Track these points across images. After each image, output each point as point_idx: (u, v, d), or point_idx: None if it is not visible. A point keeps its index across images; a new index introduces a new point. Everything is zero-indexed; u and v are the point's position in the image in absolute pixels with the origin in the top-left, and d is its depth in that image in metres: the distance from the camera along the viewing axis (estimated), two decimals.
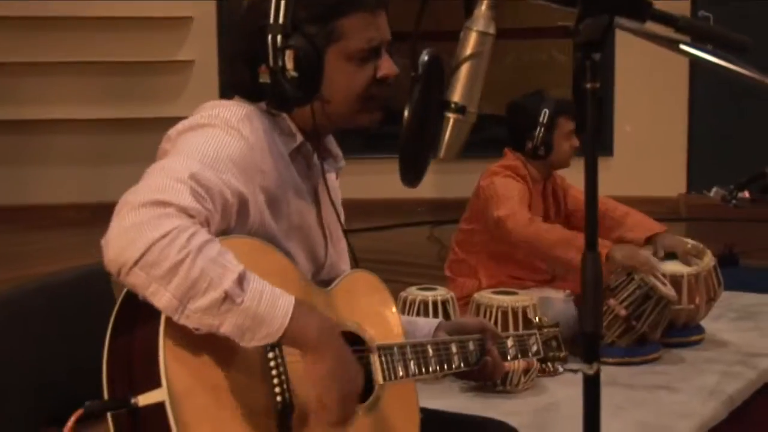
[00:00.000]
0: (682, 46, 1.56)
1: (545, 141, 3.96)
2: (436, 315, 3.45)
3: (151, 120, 7.45)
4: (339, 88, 1.87)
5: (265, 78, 1.82)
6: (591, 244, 1.37)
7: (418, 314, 3.46)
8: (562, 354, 2.33)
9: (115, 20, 7.87)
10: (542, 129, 3.95)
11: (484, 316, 3.36)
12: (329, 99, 1.87)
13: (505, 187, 3.89)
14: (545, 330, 2.32)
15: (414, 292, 3.55)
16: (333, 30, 1.85)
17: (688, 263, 3.98)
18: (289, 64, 1.80)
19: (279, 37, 1.80)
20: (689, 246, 4.01)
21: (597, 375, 1.33)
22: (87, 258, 1.72)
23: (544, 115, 3.95)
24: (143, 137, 7.48)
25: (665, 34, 1.54)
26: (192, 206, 1.61)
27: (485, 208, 3.93)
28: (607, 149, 8.13)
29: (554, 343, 2.33)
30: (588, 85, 1.34)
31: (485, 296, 3.47)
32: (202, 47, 8.02)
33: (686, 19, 1.43)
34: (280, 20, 1.80)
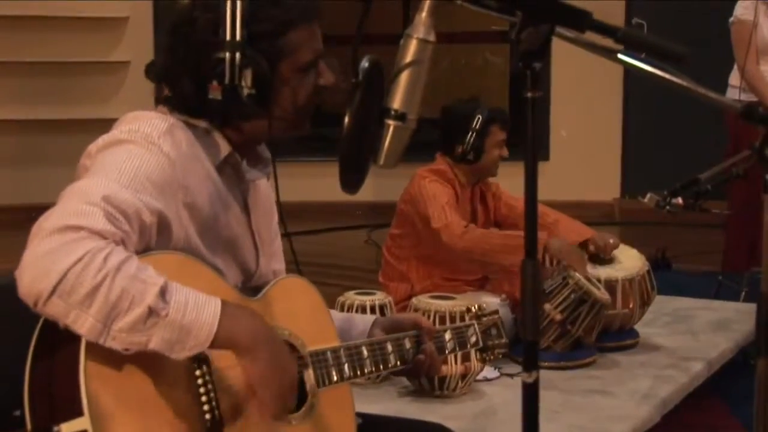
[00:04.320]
0: (620, 56, 1.58)
1: (476, 146, 3.97)
2: None
3: (86, 121, 7.33)
4: (286, 101, 1.86)
5: (216, 95, 1.78)
6: (530, 252, 1.37)
7: None
8: (503, 341, 2.32)
9: (49, 19, 7.74)
10: (474, 134, 3.96)
11: None
12: (275, 111, 1.85)
13: (432, 194, 3.90)
14: (484, 319, 2.31)
15: (351, 297, 3.55)
16: (283, 45, 1.83)
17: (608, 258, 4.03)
18: (246, 82, 1.77)
19: (237, 55, 1.76)
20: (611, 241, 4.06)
21: (536, 383, 1.34)
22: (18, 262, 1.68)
23: (478, 120, 3.97)
24: (77, 139, 7.32)
25: (603, 44, 1.56)
26: (105, 229, 1.57)
27: (415, 213, 3.94)
28: (544, 154, 8.20)
29: (494, 331, 2.32)
30: (529, 94, 1.35)
31: (423, 301, 3.48)
32: (137, 48, 7.91)
33: (625, 31, 1.44)
34: (237, 37, 1.76)
